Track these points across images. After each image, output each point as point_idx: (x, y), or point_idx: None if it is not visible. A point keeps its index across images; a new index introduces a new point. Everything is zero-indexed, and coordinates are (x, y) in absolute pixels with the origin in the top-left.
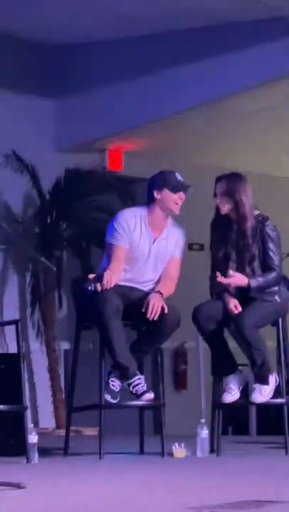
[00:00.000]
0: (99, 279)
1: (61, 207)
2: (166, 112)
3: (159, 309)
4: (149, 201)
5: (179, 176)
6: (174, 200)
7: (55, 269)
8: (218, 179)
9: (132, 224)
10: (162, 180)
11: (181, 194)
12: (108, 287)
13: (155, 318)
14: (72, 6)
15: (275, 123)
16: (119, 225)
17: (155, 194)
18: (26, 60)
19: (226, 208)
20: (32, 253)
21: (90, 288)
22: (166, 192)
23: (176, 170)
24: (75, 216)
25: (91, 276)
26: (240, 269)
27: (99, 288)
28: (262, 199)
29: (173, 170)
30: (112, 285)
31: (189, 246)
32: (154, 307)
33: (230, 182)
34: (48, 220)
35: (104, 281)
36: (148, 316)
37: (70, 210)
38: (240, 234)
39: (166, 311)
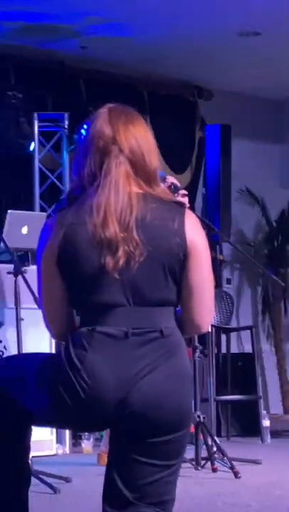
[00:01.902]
0: None
1: (286, 233)
2: None
3: None
4: None
5: None
6: None
7: (283, 284)
8: None
9: None
10: None
11: None
12: None
13: None
14: None
15: None
16: None
17: None
18: (261, 114)
19: None
20: (262, 270)
21: None
22: None
23: None
24: None
25: None
26: None
27: None
28: None
29: None
30: None
31: None
32: None
33: None
34: (275, 244)
35: None
36: None
37: None
38: None
39: None
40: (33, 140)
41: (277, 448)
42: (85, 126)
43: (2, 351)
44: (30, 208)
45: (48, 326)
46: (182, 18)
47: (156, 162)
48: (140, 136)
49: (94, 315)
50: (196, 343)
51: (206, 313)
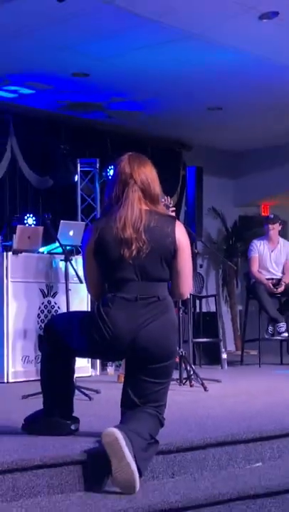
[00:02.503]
0: None
1: (237, 235)
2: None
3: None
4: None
5: None
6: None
7: (235, 268)
8: None
9: None
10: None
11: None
12: None
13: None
14: None
15: None
16: None
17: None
18: (223, 161)
19: None
20: (222, 259)
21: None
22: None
23: None
24: (246, 240)
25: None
26: None
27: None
28: None
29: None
30: None
31: None
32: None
33: None
34: (230, 242)
35: None
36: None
37: (242, 238)
38: None
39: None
40: (76, 175)
41: (231, 372)
42: (111, 167)
43: (57, 310)
44: (74, 219)
45: (89, 291)
46: (173, 98)
47: (158, 189)
48: (148, 173)
49: (116, 286)
50: (180, 305)
51: (187, 287)
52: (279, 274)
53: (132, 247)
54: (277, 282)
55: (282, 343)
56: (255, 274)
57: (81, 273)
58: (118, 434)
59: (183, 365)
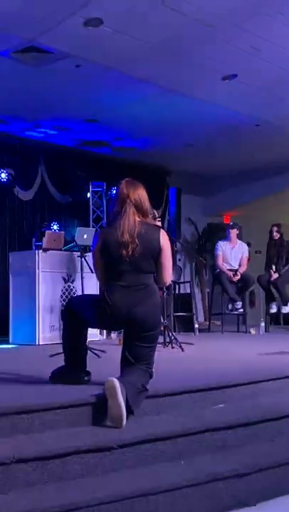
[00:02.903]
0: None
1: (206, 238)
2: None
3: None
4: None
5: None
6: None
7: (204, 262)
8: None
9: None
10: None
11: None
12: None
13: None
14: None
15: None
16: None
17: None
18: (196, 184)
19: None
20: (195, 255)
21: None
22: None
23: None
24: (213, 241)
25: None
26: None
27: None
28: None
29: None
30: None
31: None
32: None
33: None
34: (201, 243)
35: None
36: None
37: (210, 239)
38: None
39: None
40: (89, 193)
41: (201, 337)
42: (114, 188)
43: (74, 292)
44: (87, 225)
45: (98, 278)
46: (159, 138)
47: (148, 205)
48: (140, 193)
49: (116, 276)
50: (165, 289)
51: (168, 277)
52: (237, 267)
53: (129, 249)
54: (235, 272)
55: (239, 317)
56: (219, 266)
57: (92, 266)
58: (116, 382)
59: (166, 333)
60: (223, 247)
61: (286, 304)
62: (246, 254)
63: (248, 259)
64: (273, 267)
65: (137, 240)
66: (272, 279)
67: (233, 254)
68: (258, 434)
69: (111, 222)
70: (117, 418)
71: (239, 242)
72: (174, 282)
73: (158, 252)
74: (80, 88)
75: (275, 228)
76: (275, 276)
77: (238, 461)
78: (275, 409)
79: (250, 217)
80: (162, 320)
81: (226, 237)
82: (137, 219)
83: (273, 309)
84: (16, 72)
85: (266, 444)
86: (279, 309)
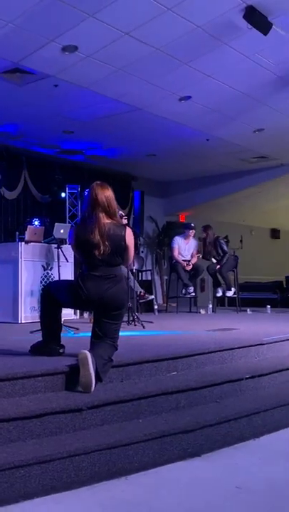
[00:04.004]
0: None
1: (165, 234)
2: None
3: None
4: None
5: None
6: None
7: (161, 253)
8: (208, 227)
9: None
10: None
11: None
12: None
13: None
14: None
15: None
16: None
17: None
18: (156, 187)
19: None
20: (155, 248)
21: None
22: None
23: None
24: (170, 236)
25: None
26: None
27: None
28: None
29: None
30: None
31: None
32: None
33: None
34: (160, 238)
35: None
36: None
37: (168, 235)
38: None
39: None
40: (65, 194)
41: (159, 317)
42: (87, 190)
43: (52, 278)
44: (63, 222)
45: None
46: (125, 148)
47: (115, 206)
48: (108, 195)
49: (90, 267)
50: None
51: (130, 260)
52: (189, 258)
53: (100, 249)
54: (188, 263)
55: (191, 299)
56: (175, 257)
57: (67, 256)
58: (87, 354)
59: (130, 313)
60: (179, 242)
61: (230, 289)
62: (196, 249)
63: (197, 252)
64: (213, 260)
65: (107, 242)
66: (216, 268)
67: (187, 248)
68: (205, 396)
69: (84, 219)
70: (87, 384)
71: (192, 239)
72: (138, 270)
73: (124, 248)
74: (58, 104)
75: (203, 229)
76: (218, 266)
77: (187, 419)
78: (220, 375)
79: (199, 216)
80: (127, 302)
81: (182, 233)
82: (106, 221)
83: (219, 293)
84: (3, 89)
85: (212, 404)
86: (224, 293)
